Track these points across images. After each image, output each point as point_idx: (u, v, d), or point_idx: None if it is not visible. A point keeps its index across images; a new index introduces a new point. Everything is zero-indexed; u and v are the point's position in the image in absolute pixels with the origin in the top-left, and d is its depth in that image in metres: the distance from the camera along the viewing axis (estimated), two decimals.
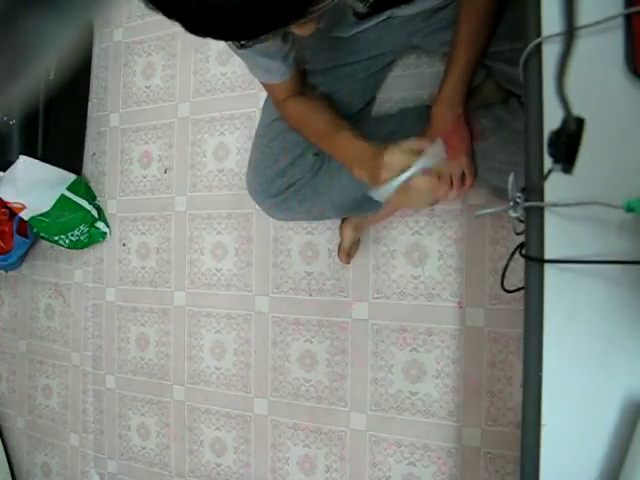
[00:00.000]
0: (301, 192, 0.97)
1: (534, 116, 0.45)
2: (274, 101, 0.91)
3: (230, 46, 0.65)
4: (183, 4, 0.45)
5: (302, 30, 0.59)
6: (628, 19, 0.41)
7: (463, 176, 0.89)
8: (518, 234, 0.49)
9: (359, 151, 0.80)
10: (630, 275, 0.41)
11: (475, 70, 0.84)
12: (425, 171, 0.72)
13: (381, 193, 0.73)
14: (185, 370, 1.34)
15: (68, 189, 1.41)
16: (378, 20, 0.82)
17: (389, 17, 0.82)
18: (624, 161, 0.42)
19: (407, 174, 0.70)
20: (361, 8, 0.75)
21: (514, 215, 0.46)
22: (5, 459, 1.65)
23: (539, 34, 0.44)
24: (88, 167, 1.52)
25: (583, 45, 0.35)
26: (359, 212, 1.02)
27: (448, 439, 1.04)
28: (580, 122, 0.33)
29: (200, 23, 0.47)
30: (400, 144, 0.74)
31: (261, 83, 0.88)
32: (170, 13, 0.45)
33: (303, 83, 0.90)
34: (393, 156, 0.73)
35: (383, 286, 1.10)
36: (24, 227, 1.49)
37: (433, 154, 0.72)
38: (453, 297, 1.04)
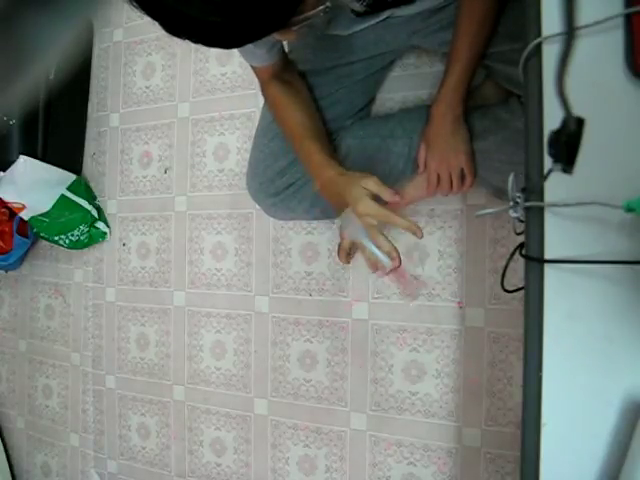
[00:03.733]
0: (301, 192, 0.97)
1: (534, 116, 0.45)
2: (259, 81, 0.91)
3: None
4: (164, 11, 0.46)
5: (285, 37, 0.60)
6: (628, 19, 0.41)
7: (463, 176, 0.90)
8: (518, 234, 0.49)
9: (323, 170, 0.82)
10: (630, 275, 0.41)
11: (475, 70, 0.84)
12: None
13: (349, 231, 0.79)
14: (185, 370, 1.34)
15: (68, 189, 1.41)
16: (378, 20, 0.82)
17: (389, 17, 0.83)
18: (624, 161, 0.42)
19: (367, 244, 0.77)
20: (358, 7, 0.75)
21: (514, 215, 0.46)
22: (5, 459, 1.65)
23: (539, 34, 0.44)
24: (88, 167, 1.52)
25: (583, 45, 0.35)
26: None
27: (448, 439, 1.04)
28: (580, 122, 0.33)
29: (180, 31, 0.48)
30: (363, 181, 0.75)
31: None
32: (151, 15, 0.46)
33: (290, 69, 0.91)
34: (365, 207, 0.74)
35: (383, 286, 1.10)
36: (24, 227, 1.49)
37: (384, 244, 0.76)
38: (453, 297, 1.04)
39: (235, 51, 1.29)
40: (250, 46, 0.79)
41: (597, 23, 0.41)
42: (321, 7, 0.55)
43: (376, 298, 1.11)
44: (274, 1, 0.47)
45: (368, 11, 0.77)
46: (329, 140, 0.92)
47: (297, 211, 1.01)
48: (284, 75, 0.89)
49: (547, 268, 0.44)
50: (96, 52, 1.51)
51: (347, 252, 1.09)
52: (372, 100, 1.07)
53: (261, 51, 0.81)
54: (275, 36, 0.55)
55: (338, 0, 0.71)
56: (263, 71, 0.88)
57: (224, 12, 0.45)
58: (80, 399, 1.52)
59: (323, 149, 0.85)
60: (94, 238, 1.45)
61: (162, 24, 0.47)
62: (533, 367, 0.44)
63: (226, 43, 0.50)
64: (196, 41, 0.48)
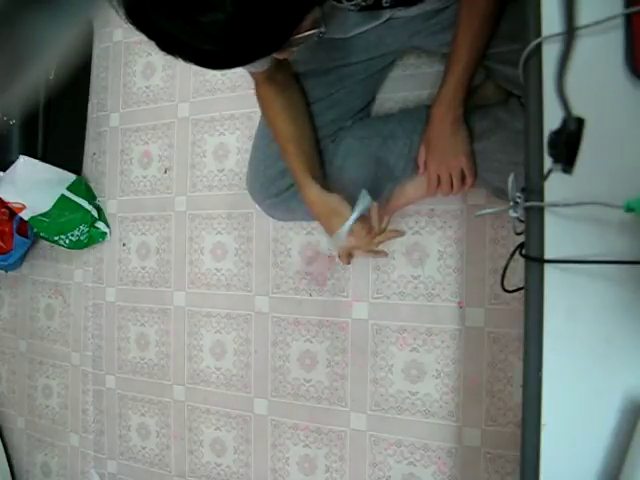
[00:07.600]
0: None
1: (534, 116, 0.45)
2: (254, 81, 0.91)
3: None
4: (158, 34, 0.46)
5: (282, 55, 0.60)
6: (628, 19, 0.41)
7: (463, 176, 0.90)
8: (518, 234, 0.49)
9: (303, 189, 0.89)
10: (630, 275, 0.41)
11: (475, 71, 0.84)
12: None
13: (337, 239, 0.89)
14: (185, 370, 1.34)
15: (68, 189, 1.41)
16: (379, 22, 0.82)
17: (390, 18, 0.83)
18: (624, 161, 0.42)
19: (348, 223, 0.85)
20: (353, 9, 0.75)
21: (514, 215, 0.46)
22: (5, 459, 1.65)
23: (539, 34, 0.44)
24: (88, 167, 1.52)
25: (583, 45, 0.35)
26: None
27: (448, 439, 1.04)
28: (580, 122, 0.33)
29: (174, 53, 0.48)
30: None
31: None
32: (147, 36, 0.46)
33: (284, 68, 0.91)
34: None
35: (383, 286, 1.10)
36: (24, 227, 1.49)
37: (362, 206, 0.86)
38: (453, 297, 1.04)
39: None
40: None
41: (597, 23, 0.41)
42: (315, 30, 0.55)
43: (376, 298, 1.11)
44: (268, 29, 0.47)
45: (364, 8, 0.77)
46: (316, 149, 0.94)
47: (297, 212, 1.00)
48: (278, 75, 0.89)
49: (547, 268, 0.44)
50: (96, 52, 1.51)
51: (348, 252, 1.09)
52: (372, 100, 1.07)
53: None
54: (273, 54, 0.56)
55: (335, 6, 0.71)
56: (257, 74, 0.87)
57: (218, 41, 0.45)
58: (80, 399, 1.52)
59: (306, 164, 0.88)
60: (94, 238, 1.45)
61: (157, 44, 0.47)
62: (533, 367, 0.44)
63: (220, 67, 0.51)
64: (185, 59, 0.49)
